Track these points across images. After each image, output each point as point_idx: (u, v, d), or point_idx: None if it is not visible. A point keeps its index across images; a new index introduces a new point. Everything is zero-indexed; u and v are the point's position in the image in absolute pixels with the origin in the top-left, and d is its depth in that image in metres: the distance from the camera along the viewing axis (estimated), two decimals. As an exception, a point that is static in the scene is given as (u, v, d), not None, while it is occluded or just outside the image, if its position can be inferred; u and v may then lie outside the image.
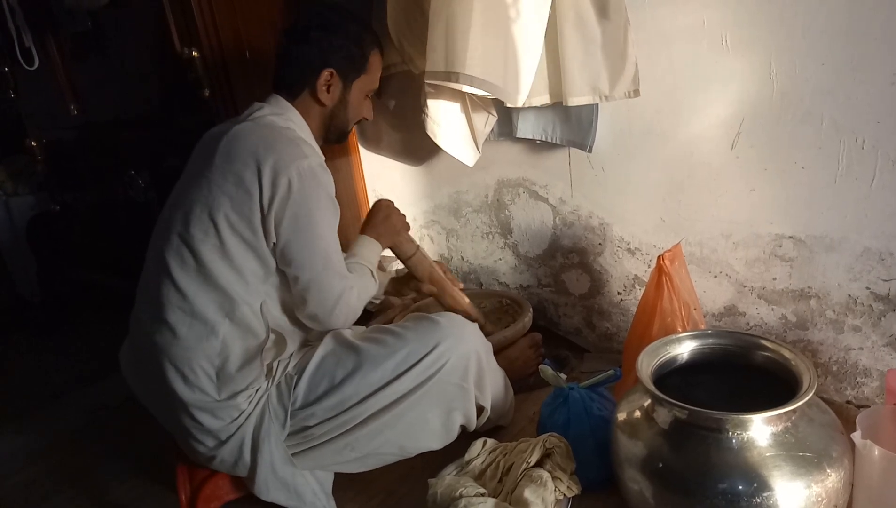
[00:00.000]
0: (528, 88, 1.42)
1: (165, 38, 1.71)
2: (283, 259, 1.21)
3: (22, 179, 2.69)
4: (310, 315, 1.26)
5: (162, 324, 1.19)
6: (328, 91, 1.32)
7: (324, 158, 1.27)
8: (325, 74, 1.30)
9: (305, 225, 1.19)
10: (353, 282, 1.29)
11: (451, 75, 1.37)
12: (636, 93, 1.40)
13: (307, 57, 1.30)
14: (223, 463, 1.25)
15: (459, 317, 1.34)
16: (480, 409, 1.36)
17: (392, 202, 1.52)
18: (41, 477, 1.63)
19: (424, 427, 1.28)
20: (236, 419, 1.21)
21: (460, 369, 1.27)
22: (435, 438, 1.31)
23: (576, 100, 1.44)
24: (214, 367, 1.19)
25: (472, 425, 1.36)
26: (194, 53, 1.67)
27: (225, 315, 1.18)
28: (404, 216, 1.52)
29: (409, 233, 1.55)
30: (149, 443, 1.58)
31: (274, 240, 1.19)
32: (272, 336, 1.23)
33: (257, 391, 1.23)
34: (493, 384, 1.38)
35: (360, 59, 1.34)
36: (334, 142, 1.42)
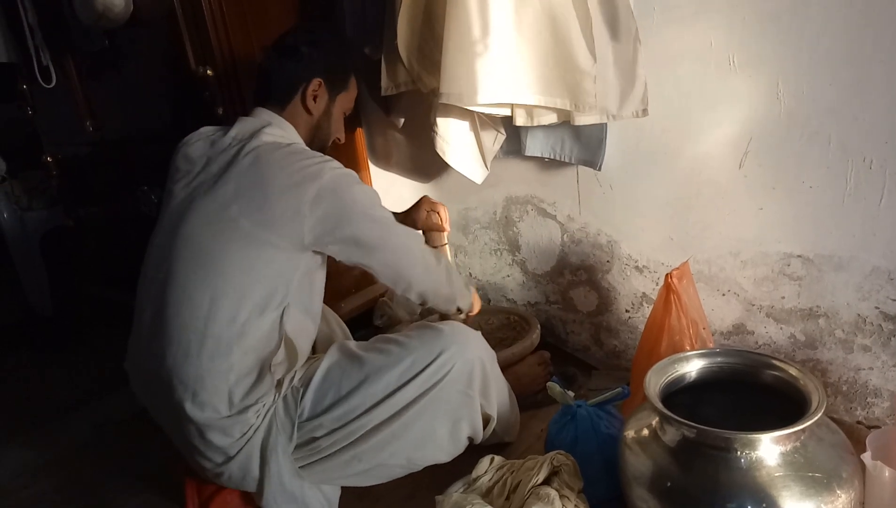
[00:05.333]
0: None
1: (180, 56, 1.74)
2: (355, 255, 1.25)
3: (37, 194, 2.72)
4: (408, 283, 1.32)
5: (171, 343, 1.18)
6: (315, 101, 1.36)
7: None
8: (315, 82, 1.35)
9: (360, 220, 1.23)
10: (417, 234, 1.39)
11: (461, 96, 1.39)
12: (645, 112, 1.42)
13: (297, 69, 1.34)
14: (231, 479, 1.25)
15: (462, 325, 1.35)
16: (487, 419, 1.37)
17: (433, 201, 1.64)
18: (50, 492, 1.63)
19: (431, 438, 1.29)
20: (245, 433, 1.21)
21: (465, 375, 1.28)
22: (442, 449, 1.31)
23: (584, 119, 1.45)
24: (228, 383, 1.18)
25: (479, 436, 1.36)
26: (209, 71, 1.70)
27: (240, 330, 1.18)
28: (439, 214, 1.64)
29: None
30: (157, 457, 1.59)
31: (326, 245, 1.22)
32: (283, 349, 1.23)
33: (265, 405, 1.23)
34: (498, 392, 1.38)
35: (344, 74, 1.42)
36: None
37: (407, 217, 1.62)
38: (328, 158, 1.25)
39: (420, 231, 1.60)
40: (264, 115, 1.34)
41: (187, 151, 1.33)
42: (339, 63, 1.40)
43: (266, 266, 1.19)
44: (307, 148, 1.31)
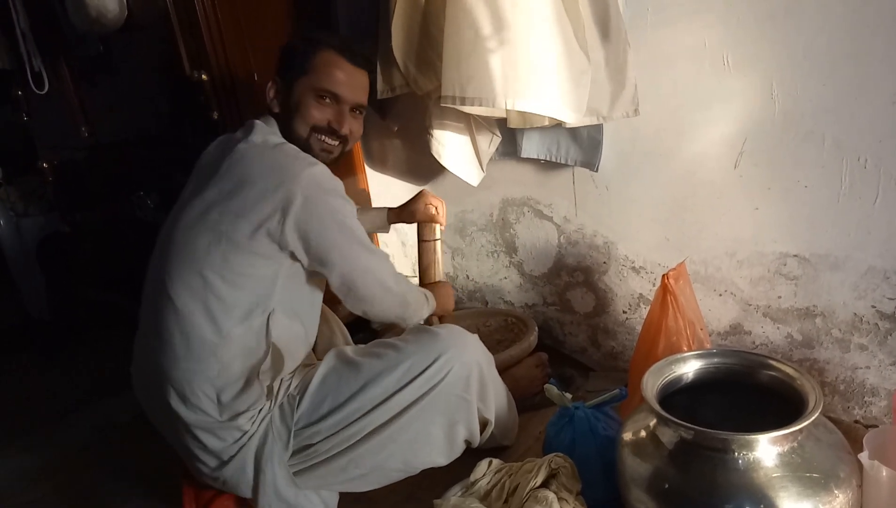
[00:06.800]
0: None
1: (175, 60, 1.74)
2: (316, 261, 1.22)
3: (33, 199, 2.72)
4: (360, 299, 1.28)
5: (163, 345, 1.19)
6: (274, 96, 1.34)
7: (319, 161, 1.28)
8: (269, 81, 1.35)
9: (329, 228, 1.21)
10: (383, 254, 1.34)
11: (462, 99, 1.39)
12: (636, 112, 1.42)
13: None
14: (226, 484, 1.26)
15: (459, 328, 1.35)
16: (484, 423, 1.36)
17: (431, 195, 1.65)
18: (48, 495, 1.63)
19: (428, 441, 1.28)
20: (239, 439, 1.21)
21: (462, 379, 1.28)
22: (439, 452, 1.31)
23: (576, 121, 1.45)
24: (215, 388, 1.19)
25: (476, 439, 1.36)
26: (203, 76, 1.70)
27: (224, 335, 1.18)
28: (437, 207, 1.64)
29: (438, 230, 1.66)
30: (156, 462, 1.58)
31: (296, 248, 1.20)
32: (269, 354, 1.23)
33: (259, 411, 1.23)
34: (496, 396, 1.38)
35: (299, 58, 1.32)
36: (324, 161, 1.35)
37: (404, 209, 1.63)
38: (312, 161, 1.23)
39: (407, 227, 1.61)
40: (267, 118, 1.34)
41: (203, 154, 1.34)
42: (291, 50, 1.34)
43: (246, 270, 1.19)
44: (293, 149, 1.28)
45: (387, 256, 1.34)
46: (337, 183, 1.25)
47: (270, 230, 1.17)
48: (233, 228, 1.17)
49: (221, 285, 1.18)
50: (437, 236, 1.64)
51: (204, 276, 1.17)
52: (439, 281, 1.63)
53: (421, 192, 1.64)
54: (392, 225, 1.71)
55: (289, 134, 1.32)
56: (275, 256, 1.20)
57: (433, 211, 1.62)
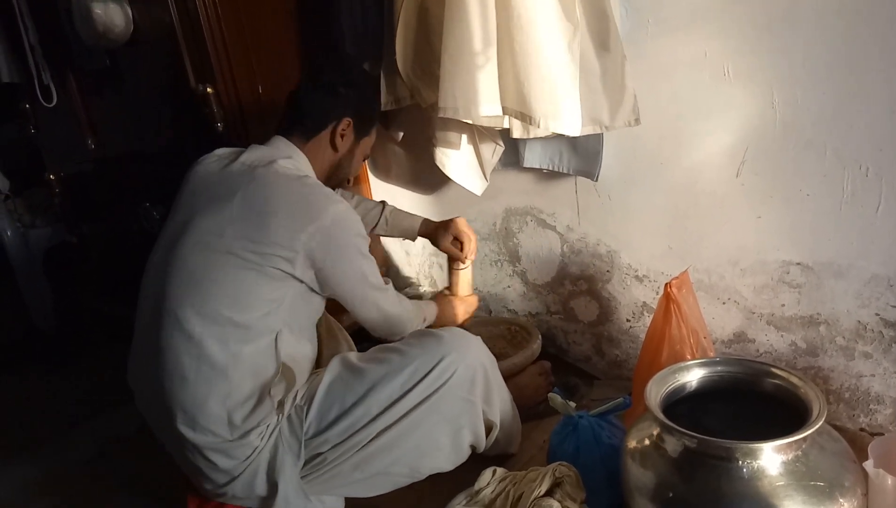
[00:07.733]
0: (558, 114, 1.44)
1: (180, 74, 1.76)
2: (325, 289, 1.28)
3: (40, 211, 2.75)
4: (369, 324, 1.39)
5: (169, 369, 1.18)
6: (342, 139, 1.40)
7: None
8: (345, 122, 1.39)
9: (342, 265, 1.27)
10: (388, 289, 1.40)
11: (456, 110, 1.41)
12: (636, 122, 1.43)
13: (331, 106, 1.38)
14: (234, 497, 1.26)
15: (462, 331, 1.37)
16: (489, 426, 1.37)
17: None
18: (53, 508, 1.64)
19: (433, 445, 1.29)
20: (249, 455, 1.21)
21: (467, 381, 1.28)
22: (444, 457, 1.31)
23: (578, 130, 1.46)
24: (226, 409, 1.18)
25: (482, 444, 1.36)
26: (209, 89, 1.72)
27: (234, 356, 1.18)
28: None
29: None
30: (161, 474, 1.58)
31: (310, 279, 1.24)
32: (280, 372, 1.23)
33: (268, 426, 1.23)
34: (500, 398, 1.38)
35: (371, 119, 1.47)
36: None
37: (434, 231, 1.68)
38: (337, 198, 1.28)
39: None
40: (281, 144, 1.36)
41: (199, 169, 1.34)
42: (369, 107, 1.49)
43: (256, 292, 1.20)
44: (317, 182, 1.32)
45: (389, 288, 1.40)
46: (358, 221, 1.30)
47: (288, 259, 1.19)
48: (249, 252, 1.18)
49: (233, 306, 1.18)
50: (461, 266, 1.69)
51: (214, 296, 1.18)
52: (461, 296, 1.71)
53: (453, 220, 1.66)
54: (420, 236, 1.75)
55: (332, 173, 1.42)
56: (287, 281, 1.22)
57: (457, 249, 1.65)
